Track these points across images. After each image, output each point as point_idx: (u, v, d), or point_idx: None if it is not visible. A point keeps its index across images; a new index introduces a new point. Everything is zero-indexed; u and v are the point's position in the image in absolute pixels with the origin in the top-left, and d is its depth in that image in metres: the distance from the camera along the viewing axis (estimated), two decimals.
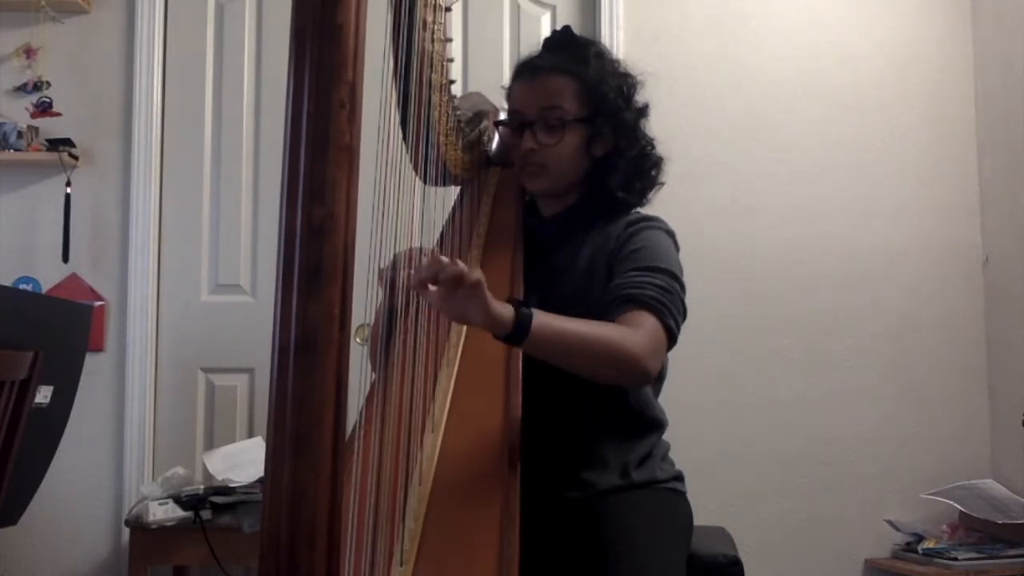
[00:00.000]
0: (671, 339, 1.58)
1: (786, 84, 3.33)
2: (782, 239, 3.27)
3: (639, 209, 1.79)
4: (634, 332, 1.52)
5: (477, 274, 1.30)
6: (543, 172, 1.74)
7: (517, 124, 1.75)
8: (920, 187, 3.34)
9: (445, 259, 1.29)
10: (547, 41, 1.82)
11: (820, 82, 3.33)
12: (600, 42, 1.91)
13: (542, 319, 1.41)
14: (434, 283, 1.29)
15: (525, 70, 1.77)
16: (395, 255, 1.55)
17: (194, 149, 3.25)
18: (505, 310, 1.37)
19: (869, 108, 3.34)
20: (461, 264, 1.29)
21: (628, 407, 1.69)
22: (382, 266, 1.46)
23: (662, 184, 1.80)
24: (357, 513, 1.19)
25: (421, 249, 1.60)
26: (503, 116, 1.85)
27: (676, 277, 1.63)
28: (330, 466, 0.84)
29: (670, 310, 1.57)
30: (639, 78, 1.80)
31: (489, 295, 1.34)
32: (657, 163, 1.78)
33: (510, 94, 1.80)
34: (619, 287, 1.60)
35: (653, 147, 1.79)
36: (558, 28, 1.88)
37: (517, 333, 1.38)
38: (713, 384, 3.17)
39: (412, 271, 1.34)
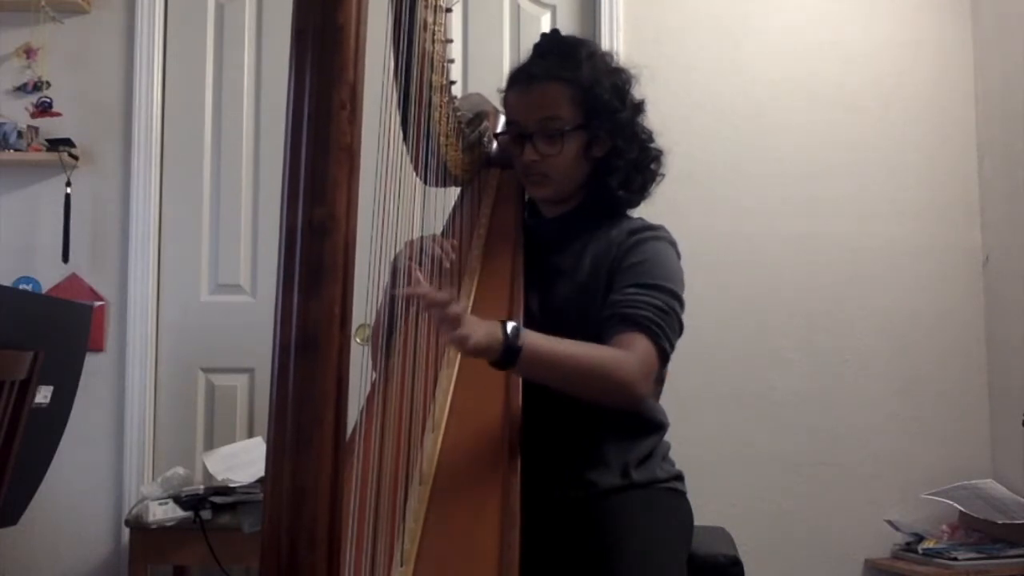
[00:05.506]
0: (664, 360, 1.60)
1: (786, 84, 3.33)
2: (782, 239, 3.27)
3: (643, 216, 1.79)
4: (627, 356, 1.54)
5: (456, 308, 1.32)
6: (547, 181, 1.74)
7: (516, 135, 1.75)
8: (920, 187, 3.34)
9: (426, 287, 1.32)
10: (537, 47, 1.79)
11: (820, 82, 3.33)
12: (590, 40, 1.89)
13: (532, 345, 1.42)
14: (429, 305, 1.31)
15: (519, 79, 1.75)
16: (400, 249, 1.55)
17: (194, 149, 3.25)
18: (491, 339, 1.38)
19: (869, 108, 3.34)
20: (440, 295, 1.31)
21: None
22: (385, 266, 1.47)
23: (663, 176, 1.80)
24: (357, 513, 1.19)
25: (423, 239, 1.61)
26: (501, 125, 1.85)
27: (675, 295, 1.64)
28: (330, 466, 0.85)
29: (665, 332, 1.58)
30: (633, 72, 1.78)
31: (473, 322, 1.35)
32: (656, 157, 1.78)
33: (506, 103, 1.79)
34: (617, 304, 1.60)
35: (652, 140, 1.78)
36: (558, 29, 1.88)
37: (505, 360, 1.40)
38: (713, 384, 3.17)
39: (407, 285, 1.36)
